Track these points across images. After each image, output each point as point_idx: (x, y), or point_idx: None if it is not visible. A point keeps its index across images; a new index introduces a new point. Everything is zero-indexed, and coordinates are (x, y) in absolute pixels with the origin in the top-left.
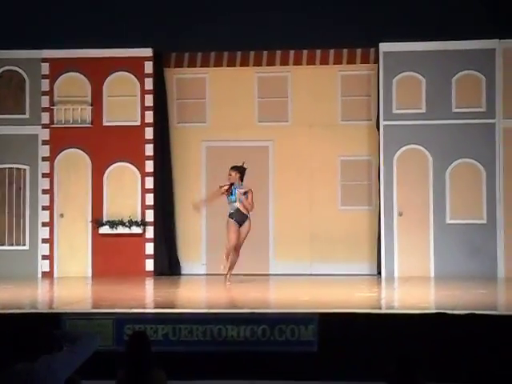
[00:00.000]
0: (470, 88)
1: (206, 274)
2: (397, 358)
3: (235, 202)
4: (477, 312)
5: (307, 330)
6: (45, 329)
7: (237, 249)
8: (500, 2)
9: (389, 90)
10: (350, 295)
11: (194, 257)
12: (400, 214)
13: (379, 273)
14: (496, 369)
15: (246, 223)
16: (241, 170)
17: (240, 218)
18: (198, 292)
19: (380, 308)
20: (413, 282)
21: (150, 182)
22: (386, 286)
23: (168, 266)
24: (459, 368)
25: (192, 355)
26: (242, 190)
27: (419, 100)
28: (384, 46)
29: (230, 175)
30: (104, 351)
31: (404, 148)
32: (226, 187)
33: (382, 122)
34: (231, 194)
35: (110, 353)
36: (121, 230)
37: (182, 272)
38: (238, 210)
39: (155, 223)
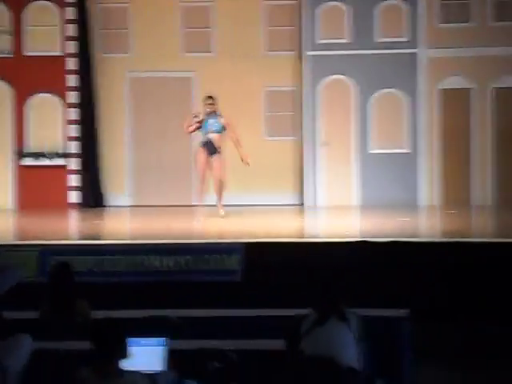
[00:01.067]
0: (392, 18)
1: (131, 206)
2: (319, 285)
3: (208, 132)
4: (399, 239)
5: (231, 259)
6: None
7: (214, 182)
8: None
9: (312, 20)
10: (274, 225)
11: (118, 188)
12: (324, 144)
13: (303, 203)
14: (418, 293)
15: (217, 157)
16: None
17: (210, 149)
18: (122, 223)
19: (303, 237)
20: (336, 211)
21: (73, 114)
22: (309, 215)
23: (92, 197)
24: (381, 294)
25: (116, 286)
26: (223, 120)
27: (343, 30)
28: None
29: (212, 104)
30: (28, 283)
31: (328, 78)
32: (198, 119)
33: (306, 53)
34: (205, 124)
35: (33, 284)
36: (44, 161)
37: (106, 204)
38: (209, 141)
39: (78, 155)
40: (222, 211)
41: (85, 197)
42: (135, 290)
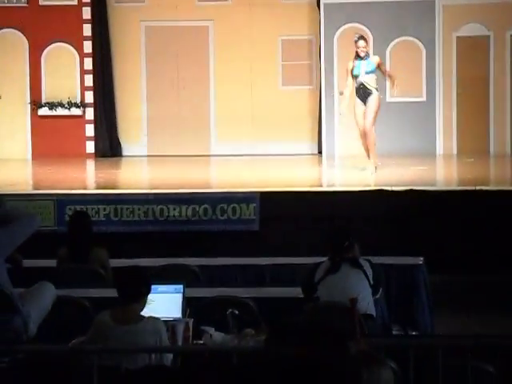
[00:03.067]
0: None
1: (147, 156)
2: (335, 232)
3: (359, 75)
4: (415, 188)
5: (248, 208)
6: None
7: (365, 132)
8: None
9: None
10: (292, 174)
11: (135, 138)
12: (340, 93)
13: (320, 152)
14: (433, 242)
15: (372, 98)
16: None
17: (364, 94)
18: (140, 173)
19: (321, 186)
20: (353, 160)
21: (88, 63)
22: (326, 164)
23: (109, 147)
24: (397, 242)
25: (134, 235)
26: (375, 59)
27: None
28: None
29: (365, 47)
30: (45, 232)
31: (344, 26)
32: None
33: (323, 1)
34: (358, 67)
35: (51, 233)
36: (60, 111)
37: (123, 153)
38: (362, 85)
39: (95, 105)
40: (373, 166)
41: (102, 146)
42: (153, 238)
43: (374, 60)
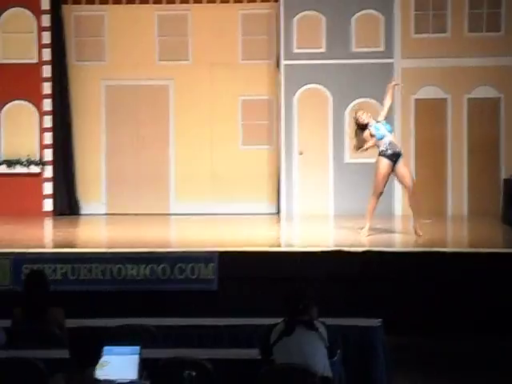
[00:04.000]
0: (368, 27)
1: (106, 214)
2: (291, 294)
3: (382, 137)
4: (374, 249)
5: (207, 268)
6: None
7: (409, 194)
8: None
9: (289, 29)
10: (251, 234)
11: (94, 196)
12: (300, 153)
13: (279, 212)
14: (392, 304)
15: (402, 162)
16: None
17: (396, 153)
18: (98, 231)
19: (279, 246)
20: (312, 220)
21: (48, 121)
22: (285, 224)
23: (67, 205)
24: (355, 303)
25: (92, 294)
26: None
27: (319, 39)
28: None
29: (361, 118)
30: (1, 291)
31: (304, 87)
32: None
33: (283, 62)
34: (376, 129)
35: (7, 292)
36: (19, 169)
37: (82, 212)
38: (391, 143)
39: (54, 162)
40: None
41: (60, 205)
42: (110, 298)
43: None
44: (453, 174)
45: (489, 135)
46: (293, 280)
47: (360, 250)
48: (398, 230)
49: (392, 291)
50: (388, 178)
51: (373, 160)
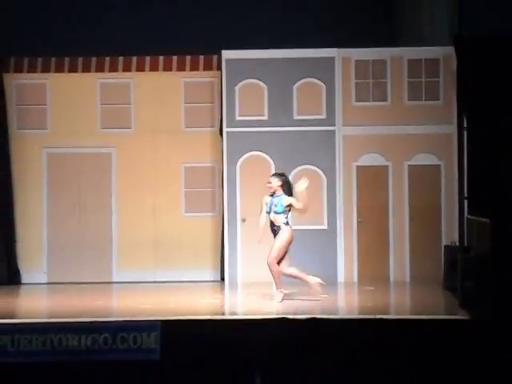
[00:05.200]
0: (310, 95)
1: (48, 283)
2: (237, 364)
3: (269, 212)
4: (318, 316)
5: (149, 337)
6: None
7: (268, 265)
8: (340, 13)
9: (232, 97)
10: (194, 302)
11: (35, 265)
12: (243, 220)
13: (223, 279)
14: (336, 372)
15: (280, 233)
16: (284, 179)
17: (273, 230)
18: (39, 301)
19: (223, 314)
20: (256, 287)
21: None
22: (229, 291)
23: (7, 275)
24: (300, 371)
25: (32, 365)
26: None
27: (262, 107)
28: (226, 54)
29: (270, 183)
30: None
31: (247, 154)
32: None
33: (225, 129)
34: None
35: None
36: None
37: (23, 281)
38: (271, 221)
39: None
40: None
41: (0, 274)
42: (52, 369)
43: (284, 201)
44: (395, 240)
45: (430, 202)
46: (237, 348)
47: (303, 317)
48: (340, 296)
49: (336, 358)
50: None
51: (316, 227)
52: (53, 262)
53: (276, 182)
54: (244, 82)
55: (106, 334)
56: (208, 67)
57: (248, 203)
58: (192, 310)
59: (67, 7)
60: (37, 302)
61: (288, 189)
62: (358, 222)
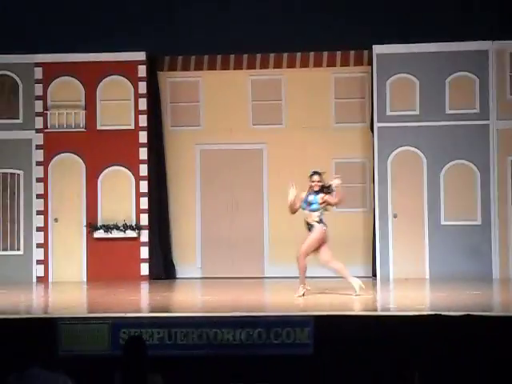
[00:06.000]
0: (463, 89)
1: (202, 278)
2: (395, 361)
3: (304, 209)
4: (472, 313)
5: (303, 332)
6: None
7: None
8: (493, 3)
9: (382, 92)
10: (346, 298)
11: (189, 260)
12: (395, 216)
13: (374, 275)
14: (491, 370)
15: (314, 231)
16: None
17: (307, 226)
18: (194, 295)
19: (376, 310)
20: (408, 283)
21: (144, 186)
22: (381, 288)
23: (163, 269)
24: (455, 370)
25: (188, 359)
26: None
27: (413, 102)
28: (377, 48)
29: (317, 180)
30: (100, 356)
31: (398, 150)
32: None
33: (376, 124)
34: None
35: (106, 357)
36: (115, 234)
37: (178, 275)
38: (305, 218)
39: (150, 227)
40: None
41: (156, 269)
42: (207, 363)
43: (319, 198)
44: None
45: None
46: (392, 345)
47: (458, 314)
48: (496, 293)
49: (493, 357)
50: None
51: (469, 222)
52: (206, 258)
53: (319, 179)
54: (395, 76)
55: (260, 329)
56: (359, 62)
57: (399, 199)
58: (344, 305)
59: (220, 7)
60: (192, 296)
61: (323, 187)
62: None
